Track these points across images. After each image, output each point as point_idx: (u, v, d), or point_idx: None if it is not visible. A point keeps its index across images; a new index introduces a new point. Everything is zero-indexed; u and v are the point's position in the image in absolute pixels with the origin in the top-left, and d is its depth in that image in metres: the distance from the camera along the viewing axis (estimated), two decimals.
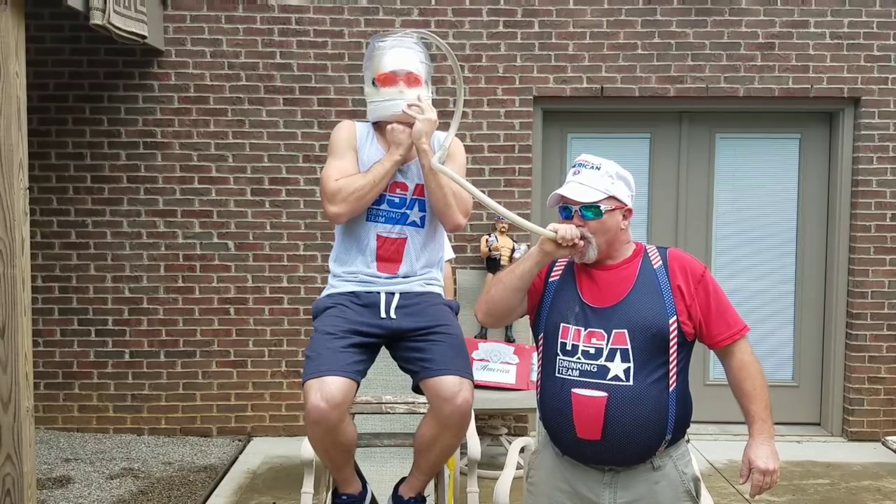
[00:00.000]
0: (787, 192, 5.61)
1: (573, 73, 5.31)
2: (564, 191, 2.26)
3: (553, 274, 2.35)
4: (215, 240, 5.32)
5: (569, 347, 2.22)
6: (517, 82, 5.31)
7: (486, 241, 5.03)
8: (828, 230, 5.58)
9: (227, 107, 5.27)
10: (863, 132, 5.35)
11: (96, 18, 4.10)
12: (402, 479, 2.66)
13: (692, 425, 2.33)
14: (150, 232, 5.31)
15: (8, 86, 3.37)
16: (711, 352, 5.67)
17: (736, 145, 5.60)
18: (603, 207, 2.22)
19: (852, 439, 5.39)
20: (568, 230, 2.19)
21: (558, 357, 2.24)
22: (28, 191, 3.50)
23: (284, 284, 5.34)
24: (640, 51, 5.30)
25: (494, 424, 4.88)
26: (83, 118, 5.28)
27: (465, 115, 5.24)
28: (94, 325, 5.32)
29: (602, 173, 2.25)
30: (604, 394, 2.15)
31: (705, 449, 5.11)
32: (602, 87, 5.32)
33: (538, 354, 2.35)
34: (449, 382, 2.36)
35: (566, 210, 2.27)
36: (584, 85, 5.32)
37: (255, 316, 5.34)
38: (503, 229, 5.10)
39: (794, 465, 4.92)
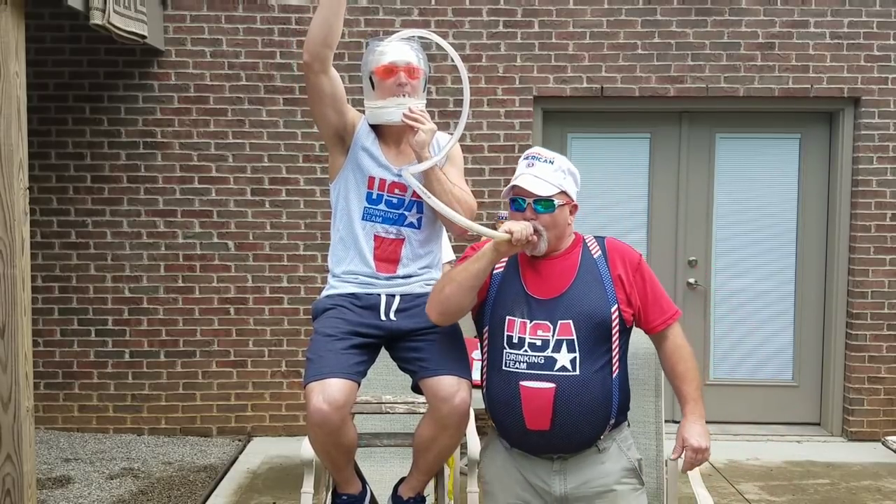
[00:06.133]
0: (787, 192, 5.60)
1: (573, 73, 5.31)
2: (521, 181, 2.26)
3: (497, 266, 2.35)
4: (215, 240, 5.32)
5: (515, 340, 2.24)
6: (517, 82, 5.31)
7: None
8: (828, 230, 5.57)
9: (227, 107, 5.28)
10: (863, 132, 5.34)
11: (96, 18, 4.10)
12: (402, 479, 2.66)
13: None
14: (150, 232, 5.31)
15: (8, 86, 3.37)
16: (711, 352, 5.70)
17: (736, 145, 5.60)
18: (556, 202, 2.25)
19: (852, 439, 5.39)
20: (522, 230, 2.18)
21: (505, 350, 2.26)
22: (28, 191, 3.51)
23: (284, 284, 5.34)
24: (640, 51, 5.30)
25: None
26: (83, 118, 5.28)
27: None
28: (94, 325, 5.33)
29: (555, 167, 2.28)
30: (551, 385, 2.18)
31: None
32: (602, 87, 5.32)
33: (483, 348, 2.36)
34: (447, 382, 2.37)
35: (518, 203, 2.27)
36: (584, 85, 5.31)
37: (255, 316, 5.34)
38: None
39: (794, 465, 4.91)
